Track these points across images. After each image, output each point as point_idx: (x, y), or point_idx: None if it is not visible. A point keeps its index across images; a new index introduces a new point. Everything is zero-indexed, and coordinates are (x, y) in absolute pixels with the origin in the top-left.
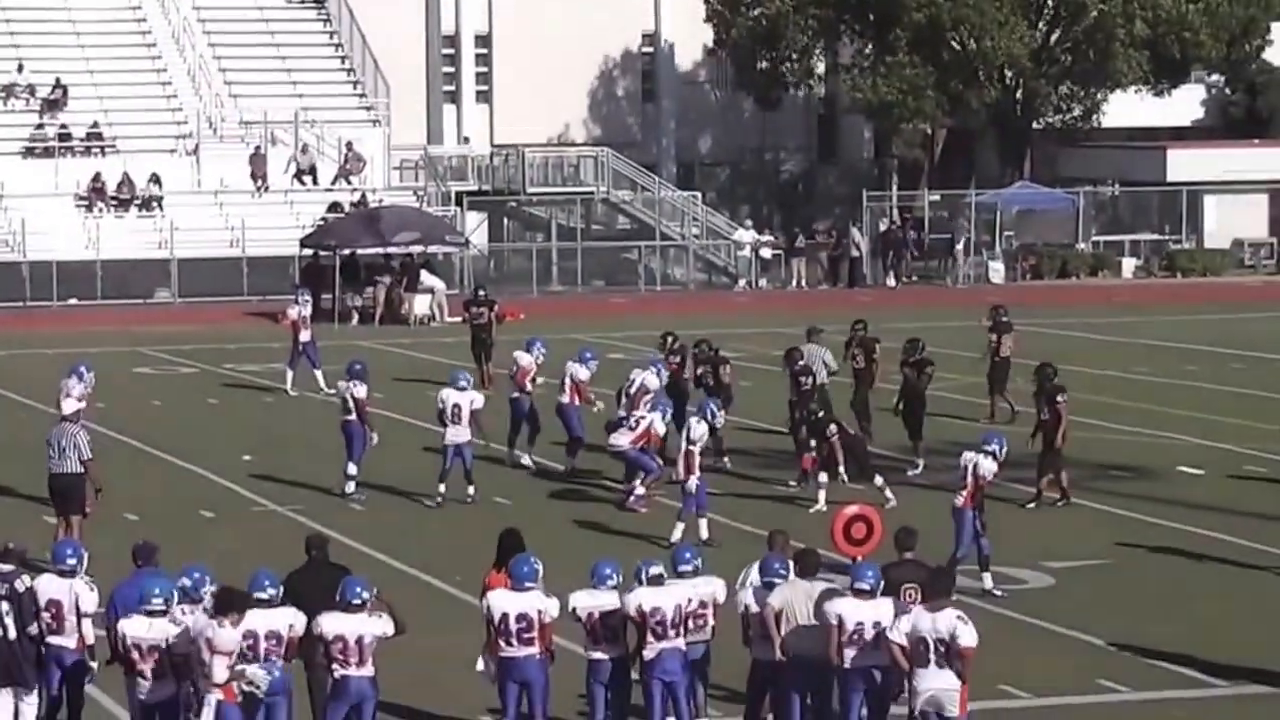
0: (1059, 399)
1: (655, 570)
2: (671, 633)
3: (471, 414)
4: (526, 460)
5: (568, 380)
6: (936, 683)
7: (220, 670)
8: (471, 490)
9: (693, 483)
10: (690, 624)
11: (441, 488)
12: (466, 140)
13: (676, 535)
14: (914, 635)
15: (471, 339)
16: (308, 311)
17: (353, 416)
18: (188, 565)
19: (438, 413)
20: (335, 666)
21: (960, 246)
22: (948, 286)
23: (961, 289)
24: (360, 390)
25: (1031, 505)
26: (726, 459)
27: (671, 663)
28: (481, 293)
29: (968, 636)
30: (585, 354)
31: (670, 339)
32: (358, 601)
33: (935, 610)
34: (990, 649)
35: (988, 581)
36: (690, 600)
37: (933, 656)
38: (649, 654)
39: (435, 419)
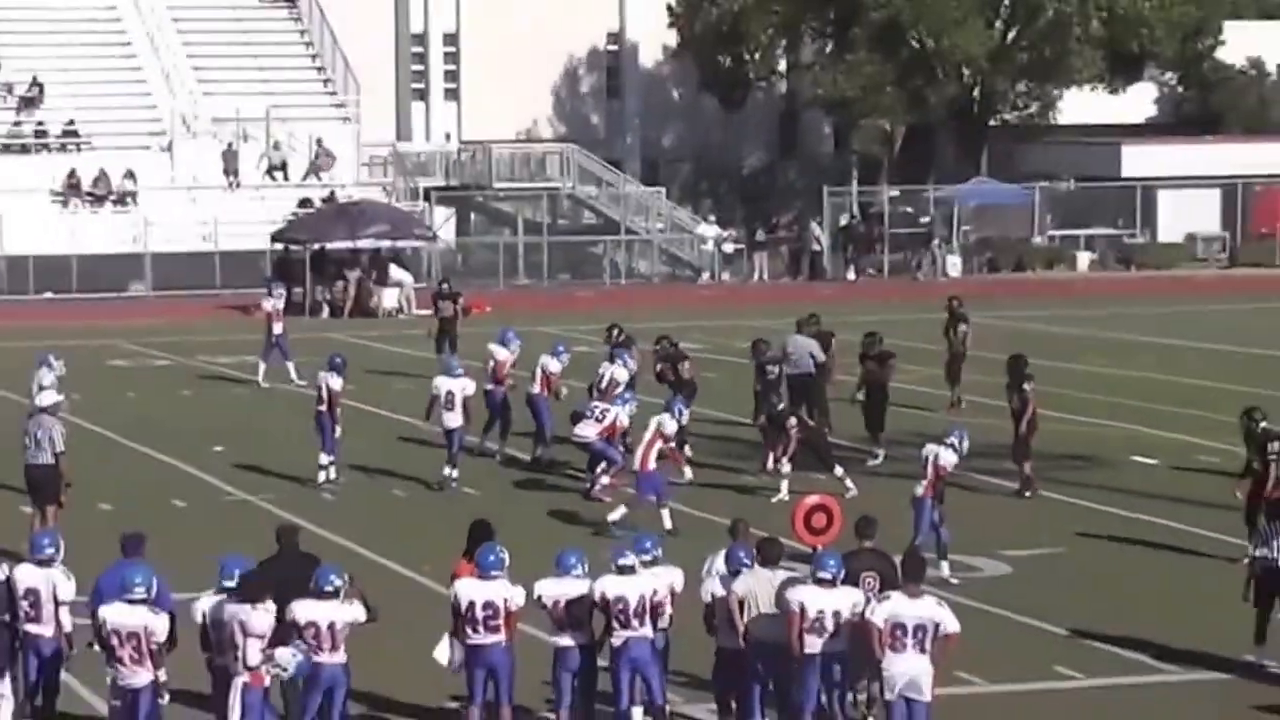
0: (1024, 386)
1: (625, 561)
2: (635, 622)
3: (463, 400)
4: (496, 453)
5: (539, 372)
6: (913, 667)
7: (254, 653)
8: (450, 472)
9: (688, 474)
10: (656, 613)
11: (455, 472)
12: (448, 137)
13: (615, 516)
14: (893, 620)
15: (437, 331)
16: (281, 305)
17: (324, 407)
18: (228, 559)
19: (430, 399)
20: (308, 653)
21: (936, 242)
22: (921, 280)
23: (922, 282)
24: (335, 382)
25: (1027, 493)
26: (687, 447)
27: (639, 650)
28: (445, 286)
29: (952, 622)
30: (558, 347)
31: (616, 332)
32: (331, 589)
33: (914, 596)
34: None
35: (945, 570)
36: (656, 590)
37: (910, 641)
38: (616, 641)
39: (425, 407)
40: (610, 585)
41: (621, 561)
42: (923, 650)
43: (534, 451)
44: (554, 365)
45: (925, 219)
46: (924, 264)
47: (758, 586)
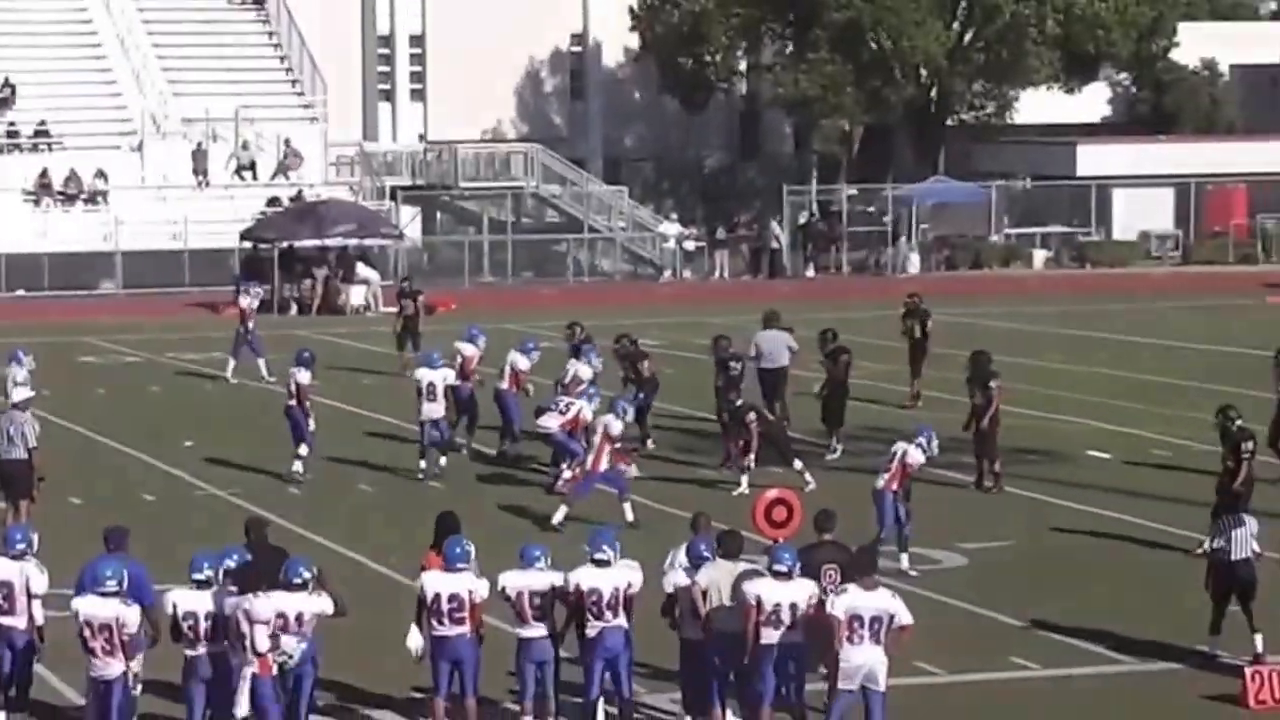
0: (990, 384)
1: (601, 555)
2: (608, 613)
3: (444, 389)
4: (463, 448)
5: (508, 368)
6: (870, 658)
7: (262, 639)
8: (443, 460)
9: (633, 470)
10: (629, 606)
11: (423, 463)
12: (421, 138)
13: (558, 517)
14: (851, 612)
15: (400, 328)
16: (257, 303)
17: (294, 401)
18: (198, 554)
19: (415, 392)
20: (312, 642)
21: (904, 239)
22: (888, 276)
23: (878, 279)
24: (303, 376)
25: (993, 488)
26: (650, 441)
27: (613, 640)
28: (407, 284)
29: (906, 614)
30: (528, 344)
31: (577, 328)
32: (299, 581)
33: (870, 589)
34: None
35: (904, 562)
36: (631, 584)
37: (867, 633)
38: (590, 632)
39: (413, 399)
40: (585, 577)
41: (598, 555)
42: (878, 641)
43: (500, 446)
44: (523, 362)
45: (887, 217)
46: (886, 260)
47: (720, 578)
